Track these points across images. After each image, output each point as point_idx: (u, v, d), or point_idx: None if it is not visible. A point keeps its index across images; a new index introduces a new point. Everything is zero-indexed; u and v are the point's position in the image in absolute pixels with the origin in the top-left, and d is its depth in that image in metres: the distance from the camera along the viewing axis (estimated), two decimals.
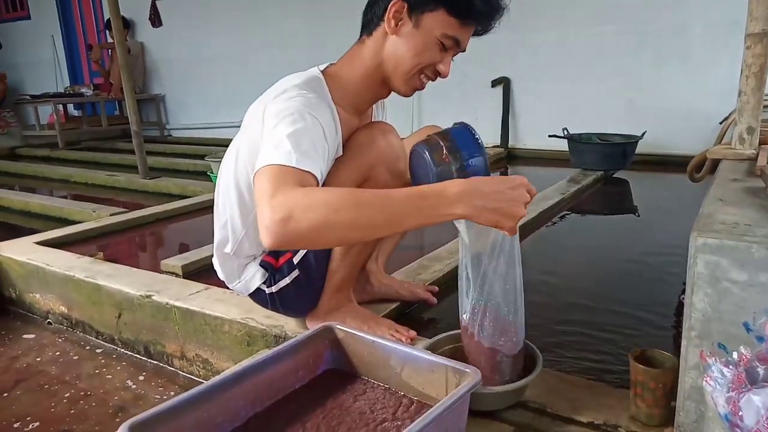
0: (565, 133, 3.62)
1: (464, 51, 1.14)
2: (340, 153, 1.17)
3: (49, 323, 1.96)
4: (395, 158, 1.17)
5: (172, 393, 1.48)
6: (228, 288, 1.36)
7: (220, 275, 1.33)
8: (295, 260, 1.24)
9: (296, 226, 0.78)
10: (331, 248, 1.22)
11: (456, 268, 1.81)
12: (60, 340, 1.84)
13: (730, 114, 2.25)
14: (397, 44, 1.10)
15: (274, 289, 1.28)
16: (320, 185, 0.95)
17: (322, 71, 1.16)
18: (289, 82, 1.10)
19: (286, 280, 1.26)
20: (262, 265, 1.28)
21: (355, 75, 1.16)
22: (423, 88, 1.16)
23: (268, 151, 0.92)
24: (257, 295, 1.32)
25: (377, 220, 0.80)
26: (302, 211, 0.78)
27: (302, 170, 0.88)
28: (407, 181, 1.14)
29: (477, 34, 1.12)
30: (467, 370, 0.89)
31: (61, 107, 6.39)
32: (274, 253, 1.27)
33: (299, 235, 0.79)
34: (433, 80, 1.15)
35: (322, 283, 1.28)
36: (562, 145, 3.66)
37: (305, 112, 0.99)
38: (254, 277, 1.28)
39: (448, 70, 1.12)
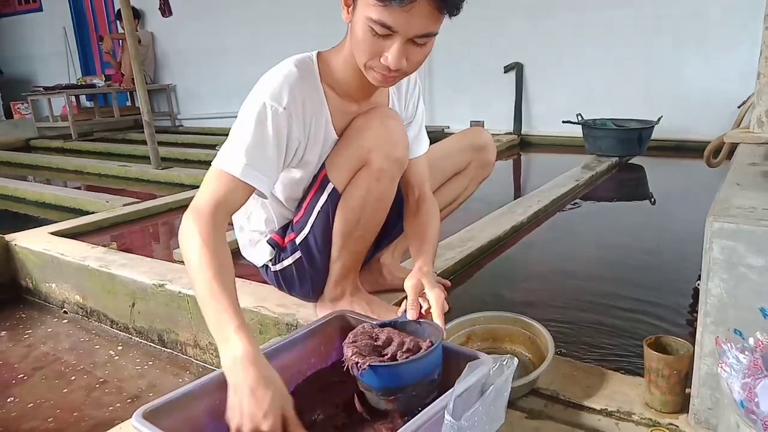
0: (579, 118, 3.58)
1: (431, 35, 0.97)
2: (333, 134, 1.17)
3: (65, 312, 1.99)
4: (392, 144, 1.15)
5: (186, 381, 1.49)
6: (242, 257, 1.39)
7: (239, 241, 1.37)
8: (298, 240, 1.25)
9: (181, 240, 0.96)
10: (331, 234, 1.23)
11: (468, 256, 1.81)
12: (76, 329, 1.86)
13: (748, 97, 2.20)
14: (351, 33, 1.03)
15: (278, 267, 1.31)
16: (268, 188, 1.06)
17: (318, 53, 1.16)
18: (280, 67, 1.11)
19: (289, 260, 1.28)
20: (270, 242, 1.30)
21: (339, 62, 1.13)
22: (387, 81, 1.04)
23: (226, 146, 1.03)
24: (266, 272, 1.36)
25: (195, 293, 0.93)
26: (182, 245, 0.96)
27: (242, 181, 1.00)
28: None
29: (452, 15, 0.96)
30: (479, 357, 0.89)
31: (73, 98, 6.42)
32: (282, 232, 1.29)
33: (181, 248, 0.97)
34: (388, 74, 1.01)
35: (324, 268, 1.28)
36: (577, 131, 3.62)
37: (270, 109, 1.03)
38: (263, 252, 1.31)
39: (395, 61, 0.97)
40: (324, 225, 1.22)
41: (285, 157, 1.09)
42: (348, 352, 0.88)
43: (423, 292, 1.00)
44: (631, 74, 4.00)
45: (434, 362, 0.88)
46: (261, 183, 1.03)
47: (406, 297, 1.02)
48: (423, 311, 0.98)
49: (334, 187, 1.18)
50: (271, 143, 1.04)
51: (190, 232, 0.94)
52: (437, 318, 0.95)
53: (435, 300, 0.97)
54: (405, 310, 1.00)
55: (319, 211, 1.20)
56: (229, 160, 1.01)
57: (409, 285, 1.02)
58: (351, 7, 1.00)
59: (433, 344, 0.88)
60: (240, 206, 1.04)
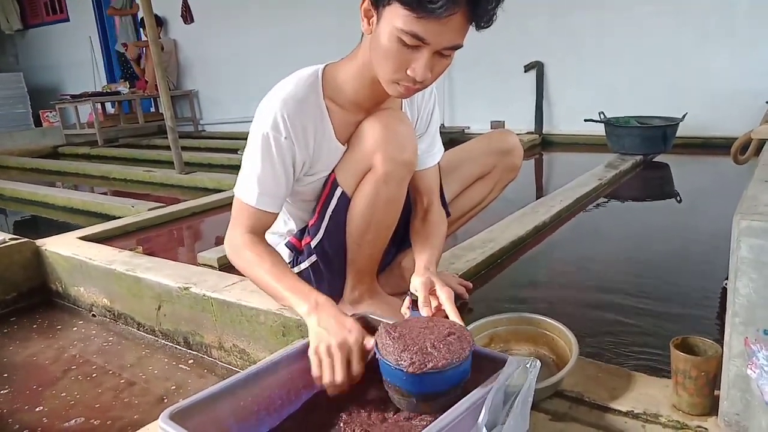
0: (602, 117, 3.54)
1: (457, 47, 0.97)
2: (339, 147, 1.18)
3: (93, 315, 2.03)
4: (398, 146, 1.14)
5: (211, 382, 1.51)
6: None
7: None
8: (313, 244, 1.26)
9: (234, 263, 1.17)
10: (344, 237, 1.24)
11: (490, 257, 1.80)
12: (104, 332, 1.90)
13: None
14: (372, 45, 1.01)
15: (296, 270, 1.32)
16: (281, 207, 1.18)
17: (325, 67, 1.17)
18: (281, 88, 1.12)
19: (306, 263, 1.30)
20: (288, 245, 1.31)
21: (349, 73, 1.13)
22: (409, 93, 1.05)
23: (241, 179, 1.15)
24: None
25: (266, 291, 1.12)
26: (235, 261, 1.16)
27: (261, 210, 1.13)
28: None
29: (480, 27, 0.96)
30: (503, 358, 0.88)
31: (99, 106, 6.57)
32: (299, 235, 1.30)
33: (238, 268, 1.17)
34: (413, 86, 1.01)
35: (340, 270, 1.29)
36: (599, 130, 3.57)
37: (273, 139, 1.09)
38: (282, 255, 1.32)
39: (422, 73, 0.96)
40: (336, 229, 1.22)
41: (294, 175, 1.16)
42: (406, 353, 0.81)
43: (433, 290, 1.00)
44: (654, 70, 3.93)
45: (470, 362, 0.86)
46: (274, 206, 1.15)
47: (407, 295, 1.03)
48: (434, 308, 0.98)
49: (343, 191, 1.19)
50: (279, 169, 1.12)
51: (238, 253, 1.13)
52: (452, 315, 0.94)
53: (446, 297, 0.98)
54: (409, 307, 1.02)
55: (331, 215, 1.21)
56: (246, 190, 1.13)
57: (418, 282, 1.03)
58: (374, 18, 0.99)
59: (472, 343, 0.86)
60: (270, 224, 1.18)
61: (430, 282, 1.02)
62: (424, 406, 0.84)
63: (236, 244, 1.13)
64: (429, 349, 0.82)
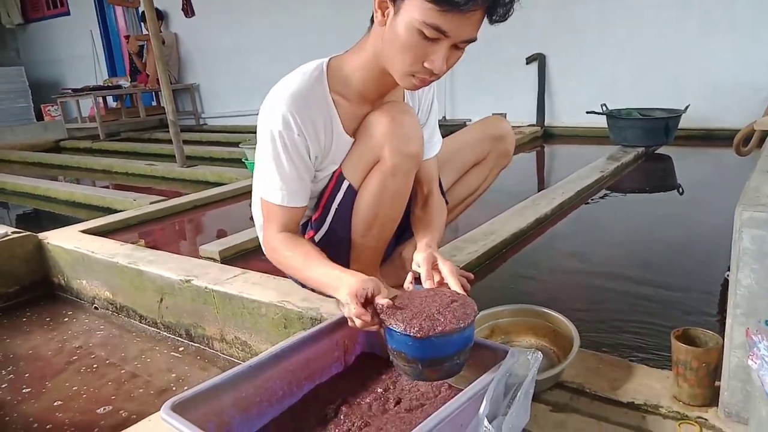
0: (604, 109, 3.52)
1: (473, 40, 0.98)
2: (347, 140, 1.18)
3: (96, 308, 2.03)
4: (405, 139, 1.14)
5: (213, 374, 1.52)
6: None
7: (260, 238, 1.39)
8: (317, 238, 1.26)
9: (274, 263, 1.20)
10: (350, 230, 1.24)
11: (491, 249, 1.80)
12: (106, 324, 1.91)
13: None
14: (386, 37, 1.00)
15: None
16: (308, 200, 1.19)
17: (330, 60, 1.16)
18: (286, 83, 1.11)
19: None
20: None
21: (355, 65, 1.13)
22: (422, 85, 1.05)
23: (264, 181, 1.15)
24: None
25: (306, 283, 1.21)
26: (274, 258, 1.19)
27: (290, 207, 1.15)
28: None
29: (494, 21, 0.98)
30: (504, 350, 0.88)
31: (100, 99, 6.55)
32: (302, 229, 1.30)
33: (278, 266, 1.20)
34: (429, 79, 1.02)
35: (344, 264, 1.28)
36: (601, 122, 3.56)
37: (287, 137, 1.09)
38: None
39: (440, 65, 0.97)
40: (342, 222, 1.22)
41: (312, 167, 1.17)
42: (415, 320, 0.83)
43: (435, 264, 1.01)
44: (656, 63, 3.91)
45: (473, 329, 0.88)
46: (302, 200, 1.16)
47: (409, 272, 1.03)
48: (436, 282, 0.99)
49: (350, 185, 1.19)
50: (299, 165, 1.13)
51: (275, 253, 1.16)
52: (455, 287, 0.95)
53: (448, 271, 0.98)
54: (412, 282, 1.01)
55: (337, 208, 1.21)
56: (271, 191, 1.14)
57: (420, 257, 1.03)
58: (389, 10, 0.98)
59: (475, 310, 0.87)
60: (301, 218, 1.20)
61: (432, 257, 1.02)
62: (429, 373, 0.85)
63: (272, 245, 1.16)
64: (436, 315, 0.84)
